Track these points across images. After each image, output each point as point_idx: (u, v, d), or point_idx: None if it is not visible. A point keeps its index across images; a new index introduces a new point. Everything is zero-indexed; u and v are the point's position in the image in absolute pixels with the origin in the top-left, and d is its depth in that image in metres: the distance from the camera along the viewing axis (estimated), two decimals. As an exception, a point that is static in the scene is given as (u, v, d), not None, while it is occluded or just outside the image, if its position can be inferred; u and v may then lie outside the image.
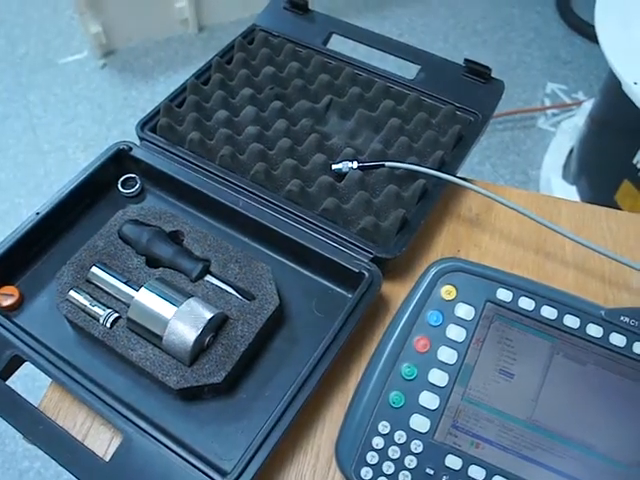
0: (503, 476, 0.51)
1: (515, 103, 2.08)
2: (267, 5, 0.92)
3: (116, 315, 0.59)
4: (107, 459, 0.52)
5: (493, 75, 0.80)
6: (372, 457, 0.53)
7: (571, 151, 1.85)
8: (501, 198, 0.67)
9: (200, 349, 0.57)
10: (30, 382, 1.40)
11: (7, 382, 0.56)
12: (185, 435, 0.55)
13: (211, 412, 0.57)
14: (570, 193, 1.71)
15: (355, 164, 0.70)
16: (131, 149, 0.72)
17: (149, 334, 0.57)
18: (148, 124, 0.75)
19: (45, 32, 2.34)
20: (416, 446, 0.53)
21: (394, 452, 0.53)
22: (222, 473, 0.51)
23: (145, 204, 0.72)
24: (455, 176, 0.70)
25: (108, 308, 0.59)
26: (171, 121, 0.75)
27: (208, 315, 0.56)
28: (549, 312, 0.57)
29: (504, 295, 0.58)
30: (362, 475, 0.52)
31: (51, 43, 2.31)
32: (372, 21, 2.38)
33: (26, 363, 0.58)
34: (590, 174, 1.64)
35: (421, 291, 0.59)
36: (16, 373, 0.58)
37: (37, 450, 0.52)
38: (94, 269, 0.62)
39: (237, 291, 0.61)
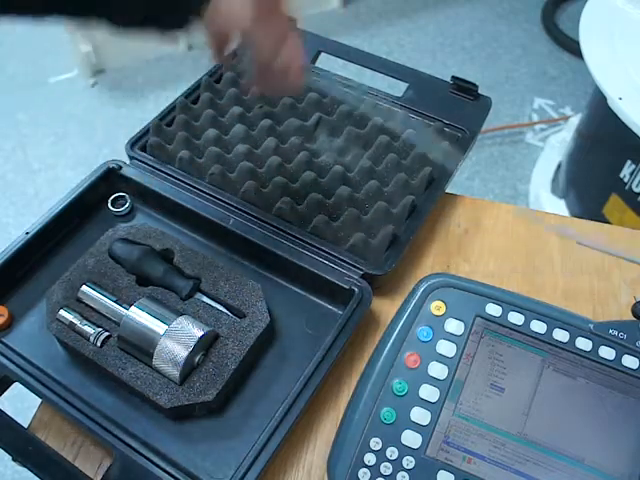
0: (495, 491, 0.51)
1: (503, 119, 2.10)
2: (256, 24, 0.93)
3: (106, 334, 0.59)
4: (98, 479, 0.52)
5: (481, 91, 0.81)
6: (364, 474, 0.52)
7: (559, 166, 1.86)
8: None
9: (191, 367, 0.57)
10: (19, 403, 1.39)
11: (-4, 403, 0.56)
12: (176, 454, 0.55)
13: (202, 430, 0.57)
14: (559, 207, 1.72)
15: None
16: (121, 168, 0.73)
17: (140, 353, 0.57)
18: (138, 143, 0.76)
19: (35, 51, 2.34)
20: (408, 462, 0.53)
21: (386, 468, 0.52)
22: (214, 492, 0.51)
23: (135, 223, 0.72)
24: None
25: (98, 327, 0.59)
26: (161, 140, 0.75)
27: (199, 333, 0.56)
28: (538, 326, 0.57)
29: (493, 310, 0.58)
30: (354, 492, 0.52)
31: (41, 62, 2.31)
32: (361, 39, 2.40)
33: (15, 383, 0.57)
34: (578, 188, 1.66)
35: (411, 307, 0.59)
36: (5, 394, 0.58)
37: (27, 472, 0.52)
38: (84, 288, 0.61)
39: (228, 309, 0.61)
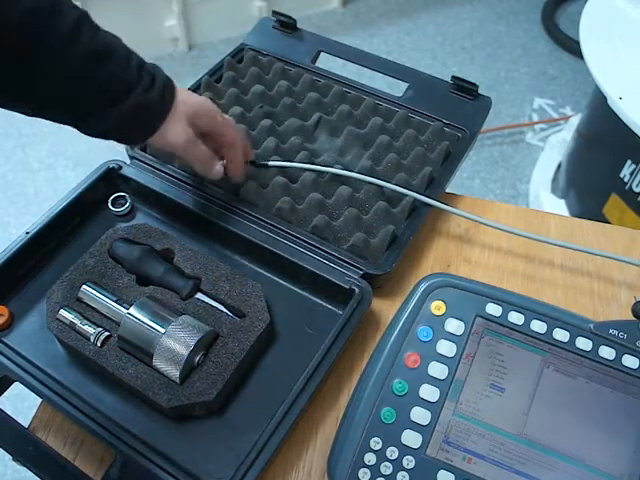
0: (495, 491, 0.51)
1: (503, 119, 2.10)
2: (256, 24, 0.93)
3: (107, 334, 0.59)
4: (98, 479, 0.52)
5: (481, 91, 0.81)
6: (364, 474, 0.52)
7: (559, 165, 1.86)
8: (478, 217, 0.68)
9: (191, 367, 0.57)
10: (20, 403, 1.40)
11: (-4, 403, 0.56)
12: (177, 454, 0.55)
13: (203, 430, 0.57)
14: (559, 207, 1.72)
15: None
16: (121, 167, 0.73)
17: (140, 352, 0.57)
18: (138, 143, 0.75)
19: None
20: (408, 462, 0.53)
21: (386, 468, 0.52)
22: (214, 492, 0.51)
23: (135, 222, 0.72)
24: (436, 199, 0.70)
25: (99, 327, 0.59)
26: (161, 139, 0.75)
27: (199, 333, 0.56)
28: (539, 326, 0.57)
29: (494, 310, 0.58)
30: (354, 492, 0.52)
31: (41, 62, 2.30)
32: (360, 39, 2.40)
33: (16, 383, 0.57)
34: (578, 188, 1.66)
35: (411, 307, 0.59)
36: (5, 394, 0.58)
37: (27, 471, 0.52)
38: (84, 288, 0.61)
39: (228, 309, 0.61)
